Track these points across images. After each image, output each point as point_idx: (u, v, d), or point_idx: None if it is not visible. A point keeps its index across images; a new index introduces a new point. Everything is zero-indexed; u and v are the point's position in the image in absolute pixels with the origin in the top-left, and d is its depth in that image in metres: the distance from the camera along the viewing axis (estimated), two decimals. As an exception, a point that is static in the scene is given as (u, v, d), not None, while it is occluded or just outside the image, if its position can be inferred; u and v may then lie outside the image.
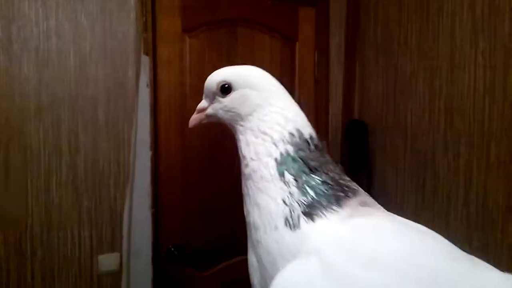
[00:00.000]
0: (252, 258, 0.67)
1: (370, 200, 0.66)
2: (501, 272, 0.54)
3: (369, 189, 2.05)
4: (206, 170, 1.79)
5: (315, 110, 2.14)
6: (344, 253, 0.54)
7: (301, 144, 0.64)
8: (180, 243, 1.70)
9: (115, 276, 1.60)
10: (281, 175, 0.62)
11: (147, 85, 1.66)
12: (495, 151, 1.56)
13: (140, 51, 1.65)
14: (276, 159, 0.62)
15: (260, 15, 1.99)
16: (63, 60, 1.53)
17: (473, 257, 0.58)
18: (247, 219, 0.67)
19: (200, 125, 0.79)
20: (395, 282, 0.50)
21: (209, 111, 0.74)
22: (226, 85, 0.69)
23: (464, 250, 0.60)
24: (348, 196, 0.62)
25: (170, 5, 1.73)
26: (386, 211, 0.67)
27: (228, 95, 0.69)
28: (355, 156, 2.09)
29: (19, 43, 1.48)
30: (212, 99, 0.73)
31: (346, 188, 0.63)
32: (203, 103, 0.75)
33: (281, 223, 0.60)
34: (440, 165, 1.77)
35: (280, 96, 0.68)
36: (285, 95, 0.70)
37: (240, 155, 0.67)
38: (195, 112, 0.78)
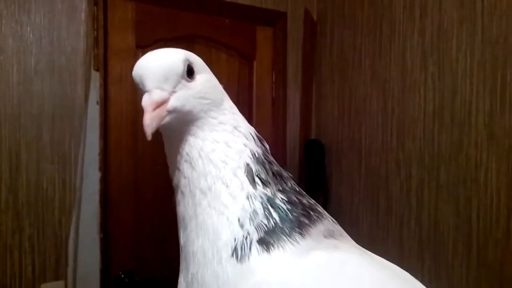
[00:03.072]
0: None
1: (337, 227, 0.59)
2: None
3: (325, 208, 2.05)
4: (159, 193, 1.72)
5: (272, 129, 2.14)
6: None
7: (261, 147, 0.55)
8: (130, 269, 1.62)
9: (59, 306, 1.50)
10: (250, 186, 0.51)
11: (97, 102, 1.58)
12: (444, 173, 1.61)
13: (91, 67, 1.58)
14: (247, 164, 0.52)
15: (218, 33, 1.97)
16: (5, 75, 1.44)
17: None
18: (185, 248, 0.54)
19: (160, 128, 0.53)
20: None
21: (173, 102, 0.51)
22: (191, 66, 0.54)
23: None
24: (313, 223, 0.53)
25: (123, 19, 1.68)
26: (353, 242, 0.60)
27: (195, 79, 0.54)
28: (312, 176, 2.09)
29: (-45, 56, 1.37)
30: (173, 87, 0.52)
31: (311, 212, 0.55)
32: (159, 94, 0.51)
33: (226, 253, 0.49)
34: (393, 185, 1.80)
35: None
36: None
37: (192, 156, 0.52)
38: (149, 108, 0.51)
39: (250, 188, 0.51)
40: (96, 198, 1.55)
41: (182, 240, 0.55)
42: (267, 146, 0.57)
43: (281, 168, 0.57)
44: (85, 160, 1.54)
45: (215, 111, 0.54)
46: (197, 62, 0.56)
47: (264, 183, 0.52)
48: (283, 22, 2.15)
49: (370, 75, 1.93)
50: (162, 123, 0.51)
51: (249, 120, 2.07)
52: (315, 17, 2.22)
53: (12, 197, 1.43)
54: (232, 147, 0.53)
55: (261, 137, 0.57)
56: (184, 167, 0.53)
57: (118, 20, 1.66)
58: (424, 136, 1.69)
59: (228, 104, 0.57)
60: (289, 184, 0.56)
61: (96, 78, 1.58)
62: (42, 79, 1.49)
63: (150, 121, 0.49)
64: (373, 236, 1.85)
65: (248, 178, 0.51)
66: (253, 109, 2.10)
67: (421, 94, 1.71)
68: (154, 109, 0.50)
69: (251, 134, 0.55)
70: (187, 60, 0.54)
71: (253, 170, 0.52)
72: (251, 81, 2.09)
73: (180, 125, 0.53)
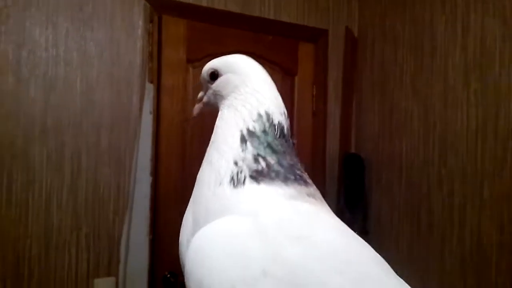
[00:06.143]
0: (188, 216, 0.67)
1: (319, 195, 0.67)
2: None
3: (365, 223, 2.07)
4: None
5: (312, 142, 2.19)
6: (279, 221, 0.55)
7: (268, 127, 0.66)
8: (176, 270, 1.69)
9: (110, 301, 1.59)
10: (242, 143, 0.64)
11: (150, 112, 1.70)
12: (488, 189, 1.60)
13: (145, 79, 1.70)
14: (241, 131, 0.65)
15: (261, 49, 2.06)
16: (70, 86, 1.58)
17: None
18: (196, 179, 0.69)
19: (202, 114, 0.84)
20: (317, 265, 0.49)
21: (205, 99, 0.78)
22: (215, 72, 0.74)
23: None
24: (298, 182, 0.63)
25: (175, 36, 1.80)
26: (332, 212, 0.67)
27: (216, 81, 0.74)
28: (351, 189, 2.12)
29: (28, 67, 1.52)
30: (206, 89, 0.78)
31: (299, 177, 0.64)
32: (201, 93, 0.80)
33: (226, 180, 0.62)
34: (434, 201, 1.80)
35: (258, 81, 0.71)
36: (265, 81, 0.73)
37: (215, 126, 0.71)
38: (196, 102, 0.83)
39: (243, 146, 0.65)
40: (147, 201, 1.65)
41: (199, 173, 0.71)
42: (278, 122, 0.68)
43: (286, 143, 0.67)
44: (138, 166, 1.64)
45: (226, 99, 0.72)
46: (222, 67, 0.74)
47: (256, 148, 0.65)
48: (324, 39, 2.22)
49: (411, 90, 1.95)
50: (203, 111, 0.81)
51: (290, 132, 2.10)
52: (356, 34, 2.28)
53: (72, 197, 1.55)
54: (229, 120, 0.68)
55: (271, 116, 0.68)
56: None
57: (171, 36, 1.79)
58: (467, 152, 1.69)
59: (239, 93, 0.71)
60: (284, 154, 0.66)
61: (150, 89, 1.70)
62: (102, 90, 1.62)
63: (194, 109, 0.83)
64: (413, 251, 1.84)
65: (241, 141, 0.65)
66: (294, 122, 2.16)
67: (464, 110, 1.72)
68: (197, 102, 0.81)
69: (256, 113, 0.67)
70: (210, 69, 0.75)
71: (246, 137, 0.65)
72: (293, 95, 2.16)
73: (216, 108, 0.76)
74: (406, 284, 0.54)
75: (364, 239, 0.59)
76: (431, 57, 1.87)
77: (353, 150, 2.23)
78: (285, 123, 0.69)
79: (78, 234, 1.55)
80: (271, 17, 2.02)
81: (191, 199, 0.69)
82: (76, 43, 1.59)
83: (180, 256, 0.64)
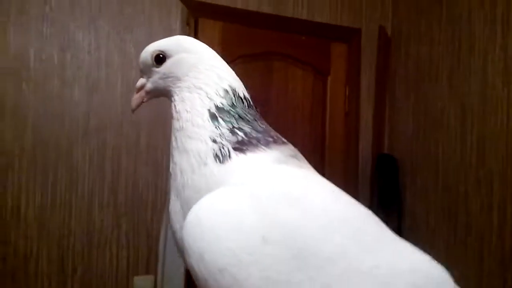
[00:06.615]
0: (175, 206, 0.64)
1: (300, 155, 0.66)
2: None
3: (400, 223, 2.05)
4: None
5: (345, 142, 2.18)
6: (272, 188, 0.54)
7: (235, 101, 0.65)
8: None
9: (149, 298, 1.63)
10: (213, 120, 0.62)
11: (187, 113, 1.72)
12: (530, 189, 1.57)
13: (182, 80, 1.72)
14: (209, 109, 0.63)
15: (294, 49, 2.07)
16: (111, 87, 1.62)
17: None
18: (172, 172, 0.65)
19: (142, 104, 0.75)
20: (314, 225, 0.50)
21: (148, 85, 0.71)
22: (161, 55, 0.69)
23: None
24: (277, 143, 0.62)
25: (211, 38, 1.82)
26: (316, 172, 0.67)
27: (164, 63, 0.69)
28: (385, 190, 2.10)
29: (72, 70, 1.57)
30: (149, 74, 0.71)
31: (276, 137, 0.63)
32: (141, 81, 0.73)
33: (210, 159, 0.59)
34: (473, 202, 1.77)
35: (211, 56, 0.70)
36: (216, 56, 0.72)
37: (173, 113, 0.67)
38: (135, 93, 0.74)
39: (215, 123, 0.63)
40: (185, 201, 1.67)
41: (171, 166, 0.67)
42: (243, 95, 0.67)
43: (254, 112, 0.66)
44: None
45: (181, 81, 0.67)
46: (170, 48, 0.70)
47: (229, 121, 0.63)
48: (357, 38, 2.21)
49: (447, 89, 1.92)
50: (144, 100, 0.73)
51: (322, 132, 2.13)
52: (389, 33, 2.26)
53: (113, 196, 1.59)
54: (194, 101, 0.65)
55: (236, 90, 0.66)
56: (172, 112, 0.69)
57: (207, 38, 1.81)
58: (507, 152, 1.65)
59: (198, 72, 0.67)
60: (257, 121, 0.65)
61: (187, 90, 1.72)
62: (141, 91, 1.65)
63: (132, 101, 0.73)
64: (450, 253, 1.81)
65: (211, 119, 0.63)
66: (326, 122, 2.16)
67: (504, 110, 1.68)
68: (137, 92, 0.73)
69: (222, 89, 0.66)
70: (155, 51, 0.69)
71: (216, 114, 0.63)
72: (325, 95, 2.16)
73: (164, 95, 0.71)
74: (400, 238, 0.56)
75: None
76: (469, 55, 1.83)
77: (386, 151, 2.21)
78: (247, 93, 0.68)
79: (119, 232, 1.59)
80: (304, 17, 2.03)
81: (172, 192, 0.66)
82: (117, 46, 1.64)
83: (178, 244, 0.62)
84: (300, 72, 2.10)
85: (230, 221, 0.51)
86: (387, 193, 2.09)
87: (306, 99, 2.13)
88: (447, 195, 1.88)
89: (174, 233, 0.64)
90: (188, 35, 1.78)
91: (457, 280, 0.57)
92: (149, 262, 1.63)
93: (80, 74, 1.58)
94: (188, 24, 1.77)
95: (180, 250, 0.60)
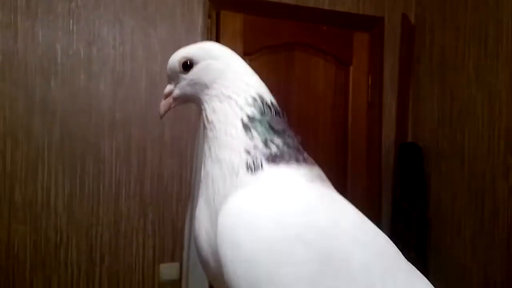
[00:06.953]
0: (203, 213, 0.64)
1: (324, 175, 0.67)
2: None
3: (425, 212, 2.02)
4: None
5: (367, 132, 2.17)
6: (305, 193, 0.57)
7: (264, 108, 0.66)
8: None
9: (175, 285, 1.66)
10: (247, 131, 0.63)
11: (210, 105, 1.74)
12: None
13: (205, 73, 1.74)
14: (242, 120, 0.64)
15: (316, 39, 2.06)
16: (136, 81, 1.66)
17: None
18: (203, 180, 0.66)
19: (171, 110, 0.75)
20: (346, 238, 0.53)
21: (176, 92, 0.71)
22: (188, 62, 0.69)
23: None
24: (306, 163, 0.63)
25: (232, 30, 1.83)
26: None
27: (191, 70, 0.69)
28: (409, 179, 2.08)
29: (98, 64, 1.61)
30: (176, 81, 0.71)
31: (307, 157, 0.65)
32: (168, 87, 0.73)
33: (243, 169, 0.60)
34: (500, 190, 1.73)
35: (238, 63, 0.70)
36: (243, 63, 0.71)
37: (205, 123, 0.67)
38: (162, 99, 0.74)
39: (249, 134, 0.63)
40: (208, 191, 1.70)
41: (202, 175, 0.67)
42: (270, 102, 0.67)
43: (282, 120, 0.67)
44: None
45: (209, 89, 0.67)
46: (198, 55, 0.69)
47: (262, 133, 0.64)
48: (380, 27, 2.18)
49: (474, 77, 1.88)
50: (172, 106, 0.72)
51: (344, 122, 2.12)
52: (413, 21, 2.22)
53: (139, 186, 1.63)
54: (225, 111, 0.65)
55: (263, 96, 0.67)
56: (203, 121, 0.70)
57: (229, 30, 1.82)
58: (536, 140, 1.61)
59: (226, 79, 0.68)
60: (287, 133, 0.65)
61: (209, 83, 1.74)
62: (165, 84, 1.68)
63: (161, 106, 0.73)
64: (476, 240, 1.79)
65: (245, 129, 0.63)
66: (348, 112, 2.14)
67: (533, 97, 1.64)
68: (165, 98, 0.72)
69: (251, 98, 0.66)
70: (183, 58, 0.69)
71: (249, 125, 0.63)
72: (347, 85, 2.14)
73: (192, 101, 0.71)
74: (413, 267, 0.58)
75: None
76: (496, 43, 1.79)
77: (410, 139, 2.18)
78: (273, 98, 0.69)
79: (145, 221, 1.63)
80: (326, 7, 2.01)
81: (201, 199, 0.66)
82: (141, 40, 1.67)
83: (201, 252, 0.63)
84: (322, 62, 2.09)
85: (269, 213, 0.54)
86: (411, 182, 2.07)
87: (328, 89, 2.11)
88: (474, 184, 1.85)
89: (196, 239, 0.65)
90: (210, 28, 1.80)
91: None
92: (174, 250, 1.67)
93: (106, 68, 1.62)
94: (210, 17, 1.78)
95: (203, 257, 0.62)
